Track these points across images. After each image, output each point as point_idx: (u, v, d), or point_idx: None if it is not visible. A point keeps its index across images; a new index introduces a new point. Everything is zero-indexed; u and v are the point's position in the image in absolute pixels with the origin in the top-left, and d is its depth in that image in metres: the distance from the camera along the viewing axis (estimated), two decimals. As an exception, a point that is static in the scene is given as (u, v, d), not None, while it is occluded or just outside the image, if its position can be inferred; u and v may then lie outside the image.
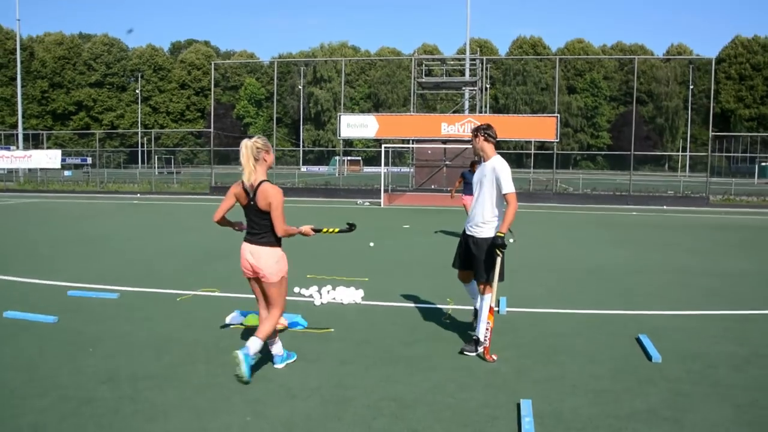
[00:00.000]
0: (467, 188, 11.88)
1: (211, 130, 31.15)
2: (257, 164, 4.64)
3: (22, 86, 79.01)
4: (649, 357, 5.25)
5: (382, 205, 23.10)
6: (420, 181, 27.60)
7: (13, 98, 78.13)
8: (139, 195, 29.12)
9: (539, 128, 25.60)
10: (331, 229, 5.48)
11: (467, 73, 30.51)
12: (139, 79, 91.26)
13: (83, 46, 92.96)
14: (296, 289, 7.64)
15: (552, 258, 11.02)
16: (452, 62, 37.83)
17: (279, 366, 4.93)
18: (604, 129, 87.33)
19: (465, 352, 5.23)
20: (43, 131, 54.38)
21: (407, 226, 15.37)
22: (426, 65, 32.44)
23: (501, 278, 5.25)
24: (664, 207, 24.27)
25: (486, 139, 5.32)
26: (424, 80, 29.70)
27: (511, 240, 5.90)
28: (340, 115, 26.83)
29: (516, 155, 56.13)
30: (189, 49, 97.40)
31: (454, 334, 5.97)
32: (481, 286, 5.32)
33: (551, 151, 66.21)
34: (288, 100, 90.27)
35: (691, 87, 77.25)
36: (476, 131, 5.36)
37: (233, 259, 6.39)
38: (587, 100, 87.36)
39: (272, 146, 4.85)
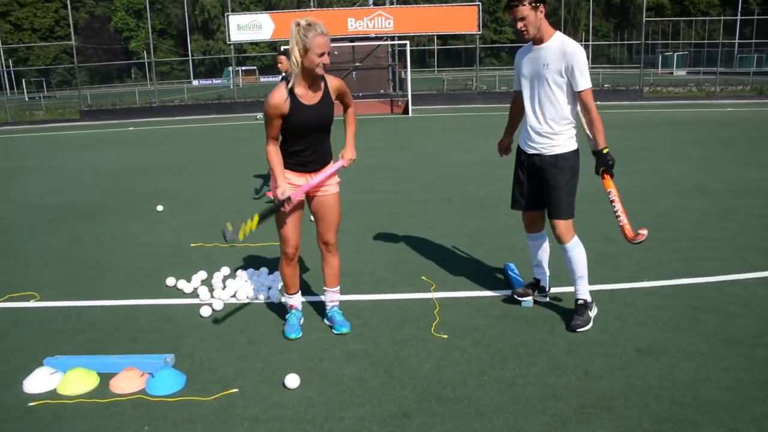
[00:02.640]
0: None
1: (73, 42, 26.13)
2: None
3: None
4: None
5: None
6: (327, 87, 24.06)
7: None
8: (-7, 126, 24.36)
9: (458, 20, 22.54)
10: (249, 223, 3.51)
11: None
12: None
13: None
14: (169, 282, 4.69)
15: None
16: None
17: None
18: (507, 24, 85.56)
19: (577, 329, 3.68)
20: None
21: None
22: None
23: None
24: (597, 102, 22.16)
25: (536, 8, 3.50)
26: (322, -30, 25.79)
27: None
28: (228, 15, 22.78)
29: (418, 53, 52.95)
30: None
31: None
32: (562, 228, 3.73)
33: (459, 47, 63.83)
34: (171, 9, 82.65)
35: (591, -24, 75.61)
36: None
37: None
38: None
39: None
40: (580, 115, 3.67)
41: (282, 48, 7.05)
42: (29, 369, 3.31)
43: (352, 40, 22.25)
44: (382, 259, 5.15)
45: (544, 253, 4.03)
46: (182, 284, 4.57)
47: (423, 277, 4.63)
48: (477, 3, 22.50)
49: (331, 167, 3.57)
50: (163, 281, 4.72)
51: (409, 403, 2.92)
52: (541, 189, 3.74)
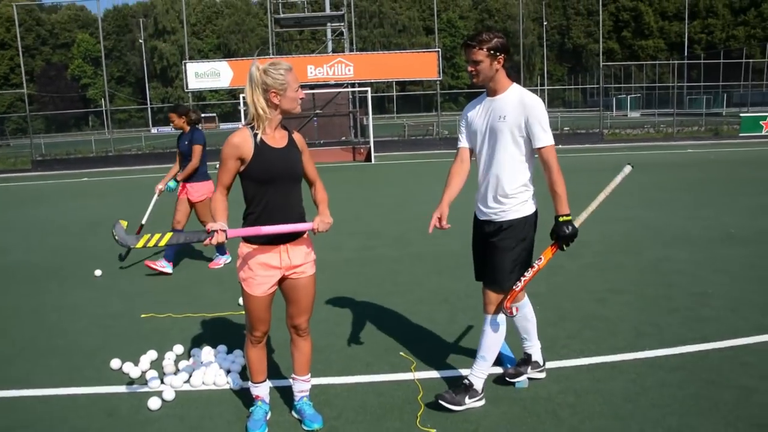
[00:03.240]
0: None
1: (24, 90, 25.37)
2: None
3: None
4: None
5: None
6: (288, 135, 23.58)
7: None
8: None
9: (419, 66, 22.51)
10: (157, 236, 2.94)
11: (327, 5, 26.68)
12: (-56, 39, 78.85)
13: None
14: (114, 365, 4.12)
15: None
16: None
17: None
18: (463, 69, 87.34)
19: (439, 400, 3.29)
20: None
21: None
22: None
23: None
24: (559, 146, 22.20)
25: (494, 56, 3.15)
26: (282, 16, 25.59)
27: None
28: (185, 63, 22.36)
29: (377, 99, 53.18)
30: (4, 2, 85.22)
31: None
32: (491, 297, 3.31)
33: (418, 92, 64.46)
34: (129, 57, 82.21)
35: (545, 23, 77.90)
36: (476, 41, 3.14)
37: None
38: (445, 40, 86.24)
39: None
40: (616, 178, 3.52)
41: (174, 102, 7.15)
42: None
43: (312, 87, 21.99)
44: (354, 331, 4.65)
45: (528, 323, 3.56)
46: (128, 367, 3.98)
47: (401, 353, 4.14)
48: (437, 50, 22.56)
49: (302, 225, 3.00)
50: (107, 362, 4.14)
51: None
52: (486, 260, 3.35)
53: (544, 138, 3.13)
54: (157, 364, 4.06)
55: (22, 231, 9.94)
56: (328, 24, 27.09)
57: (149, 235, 2.91)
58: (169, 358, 4.11)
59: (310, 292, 3.15)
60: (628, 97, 57.64)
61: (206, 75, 22.41)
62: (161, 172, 19.89)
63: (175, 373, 3.86)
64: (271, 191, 2.94)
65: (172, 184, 6.72)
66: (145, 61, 77.80)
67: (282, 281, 3.09)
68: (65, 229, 9.87)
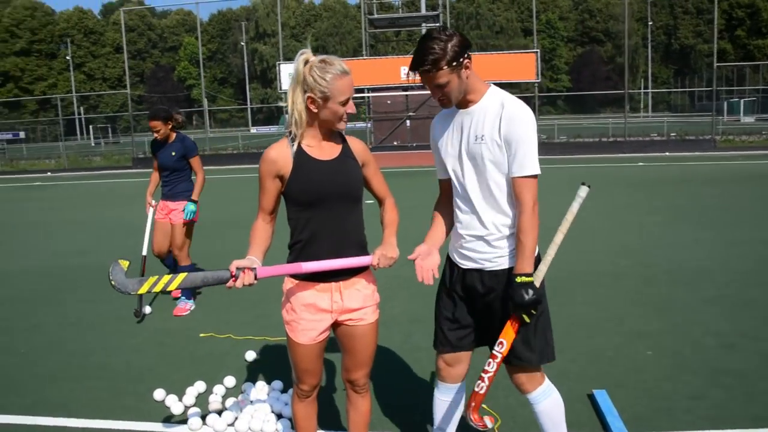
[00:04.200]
0: None
1: (128, 90, 26.34)
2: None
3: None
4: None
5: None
6: (380, 137, 23.28)
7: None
8: (49, 173, 24.47)
9: (517, 67, 21.57)
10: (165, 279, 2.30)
11: (423, 6, 26.12)
12: (69, 44, 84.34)
13: (2, 12, 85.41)
14: (157, 396, 3.67)
15: (597, 255, 7.27)
16: None
17: None
18: (563, 72, 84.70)
19: None
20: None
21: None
22: (378, 0, 27.92)
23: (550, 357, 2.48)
24: (666, 153, 20.73)
25: (459, 66, 2.27)
26: (376, 17, 25.25)
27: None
28: (279, 64, 22.42)
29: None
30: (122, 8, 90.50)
31: None
32: (522, 378, 2.49)
33: (515, 95, 62.57)
34: (231, 59, 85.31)
35: (650, 23, 74.23)
36: (430, 63, 2.24)
37: None
38: (544, 42, 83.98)
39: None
40: (573, 206, 2.37)
41: (157, 106, 5.72)
42: None
43: (405, 89, 21.50)
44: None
45: (459, 413, 2.72)
46: (171, 401, 3.54)
47: (488, 421, 3.48)
48: (536, 51, 21.54)
49: (357, 260, 2.37)
50: (151, 390, 3.70)
51: None
52: (490, 320, 2.46)
53: (526, 164, 2.27)
54: (202, 400, 3.59)
55: (108, 231, 9.93)
56: (423, 24, 26.52)
57: (156, 277, 2.31)
58: (217, 392, 3.63)
59: (370, 342, 2.50)
60: (742, 100, 53.88)
61: (300, 76, 22.38)
62: (253, 171, 19.93)
63: (220, 413, 3.36)
64: (317, 215, 2.33)
65: (191, 206, 5.35)
66: (246, 63, 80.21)
67: (336, 326, 2.49)
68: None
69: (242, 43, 79.84)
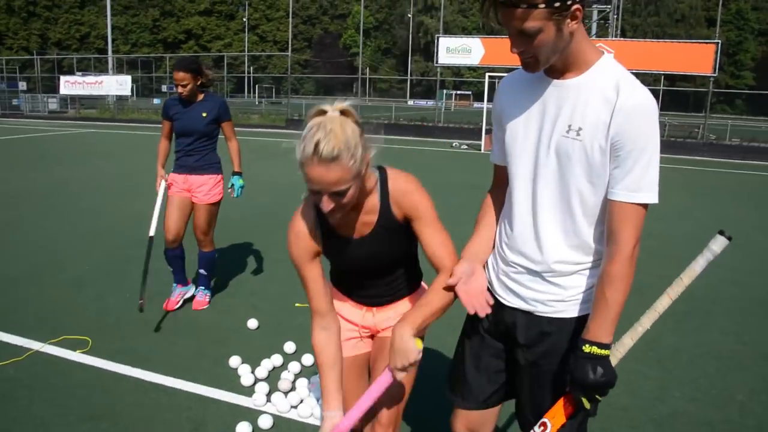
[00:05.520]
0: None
1: (289, 53, 27.23)
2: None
3: (135, 15, 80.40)
4: None
5: (482, 149, 18.39)
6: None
7: (126, 27, 78.84)
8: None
9: (691, 59, 19.72)
10: None
11: (597, -13, 24.68)
12: (247, 7, 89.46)
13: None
14: (233, 362, 3.61)
15: None
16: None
17: None
18: (747, 68, 77.35)
19: None
20: (141, 58, 52.33)
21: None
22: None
23: None
24: None
25: (563, 9, 1.42)
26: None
27: None
28: (438, 37, 22.17)
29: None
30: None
31: None
32: None
33: (687, 89, 58.25)
34: (397, 29, 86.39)
35: None
36: None
37: None
38: (729, 34, 76.84)
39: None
40: (698, 261, 1.64)
41: (187, 57, 4.73)
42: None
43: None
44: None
45: None
46: (243, 371, 3.46)
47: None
48: (716, 41, 19.57)
49: (377, 384, 1.84)
50: (230, 354, 3.65)
51: None
52: (531, 383, 1.81)
53: (643, 186, 1.56)
54: (274, 376, 3.48)
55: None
56: (595, 6, 25.08)
57: None
58: (291, 370, 3.50)
59: (400, 394, 2.08)
60: None
61: (457, 51, 22.05)
62: (397, 143, 19.90)
63: (286, 394, 3.22)
64: (354, 274, 2.08)
65: (241, 180, 4.73)
66: (411, 35, 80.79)
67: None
68: (284, 187, 9.88)
69: (409, 15, 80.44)
